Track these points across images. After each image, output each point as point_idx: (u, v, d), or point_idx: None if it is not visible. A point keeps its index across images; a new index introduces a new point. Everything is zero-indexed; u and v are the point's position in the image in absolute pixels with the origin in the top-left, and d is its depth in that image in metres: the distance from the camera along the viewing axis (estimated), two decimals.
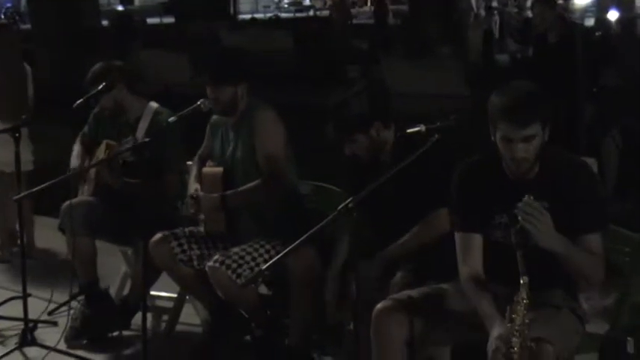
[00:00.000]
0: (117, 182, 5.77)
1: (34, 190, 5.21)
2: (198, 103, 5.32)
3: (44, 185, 5.17)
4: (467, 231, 4.11)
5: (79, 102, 5.76)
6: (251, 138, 5.27)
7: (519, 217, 3.67)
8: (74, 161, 6.07)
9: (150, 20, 37.36)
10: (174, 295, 6.00)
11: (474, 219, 4.09)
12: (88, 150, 6.03)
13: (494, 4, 30.64)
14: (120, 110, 5.97)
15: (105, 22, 28.06)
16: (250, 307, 5.32)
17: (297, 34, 23.87)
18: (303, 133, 5.59)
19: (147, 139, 5.24)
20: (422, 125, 4.25)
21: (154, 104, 6.02)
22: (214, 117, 5.54)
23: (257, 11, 49.59)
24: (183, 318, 6.05)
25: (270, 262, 4.32)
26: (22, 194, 5.30)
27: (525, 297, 3.61)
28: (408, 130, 4.32)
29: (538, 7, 8.55)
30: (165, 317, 6.11)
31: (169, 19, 38.38)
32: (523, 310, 3.61)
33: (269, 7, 52.35)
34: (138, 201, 5.20)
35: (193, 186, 5.44)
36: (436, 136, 4.16)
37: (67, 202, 5.78)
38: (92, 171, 5.90)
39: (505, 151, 3.88)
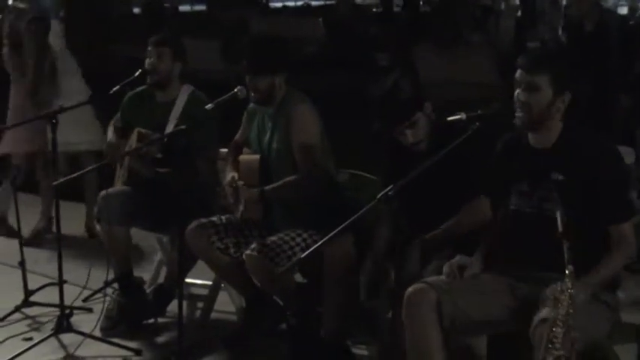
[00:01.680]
0: (149, 173, 5.76)
1: (73, 175, 5.20)
2: (235, 90, 5.31)
3: (82, 172, 5.18)
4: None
5: (114, 89, 5.77)
6: (287, 130, 5.26)
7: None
8: (107, 149, 6.07)
9: (181, 8, 37.38)
10: (210, 283, 6.01)
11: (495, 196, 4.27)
12: (123, 134, 6.01)
13: None
14: (164, 85, 5.97)
15: (136, 10, 28.18)
16: (286, 296, 5.32)
17: (327, 21, 23.77)
18: (335, 120, 5.55)
19: (183, 127, 5.22)
20: (463, 113, 4.22)
21: (189, 87, 6.03)
22: (251, 104, 5.51)
23: None
24: (218, 305, 6.06)
25: (309, 250, 4.29)
26: (61, 180, 5.28)
27: (570, 287, 3.59)
28: (449, 118, 4.29)
29: None
30: (200, 305, 6.12)
31: (201, 7, 38.40)
32: (568, 300, 3.59)
33: None
34: (173, 189, 5.19)
35: (230, 174, 5.42)
36: (477, 124, 4.13)
37: (104, 192, 5.80)
38: (125, 160, 5.89)
39: (514, 100, 3.99)
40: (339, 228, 4.09)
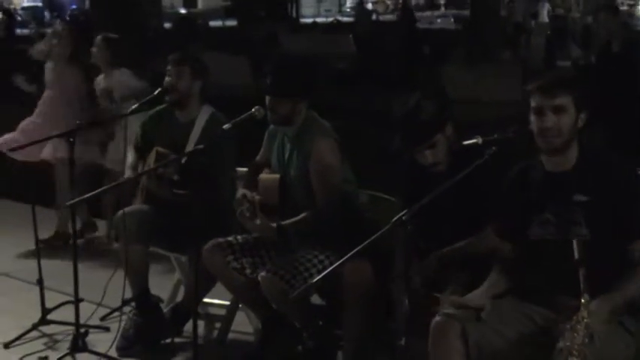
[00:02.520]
0: (166, 194, 5.73)
1: (88, 195, 5.18)
2: (253, 110, 5.28)
3: (99, 190, 5.15)
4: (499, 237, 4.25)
5: (134, 107, 5.76)
6: (306, 162, 5.23)
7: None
8: (128, 172, 6.04)
9: (212, 23, 37.61)
10: (227, 303, 5.96)
11: (508, 226, 4.21)
12: (142, 155, 5.99)
13: (560, 10, 30.42)
14: (183, 104, 5.94)
15: (167, 25, 28.33)
16: (302, 318, 5.27)
17: (357, 37, 23.78)
18: (363, 138, 5.52)
19: (200, 147, 5.19)
20: (479, 137, 4.17)
21: (209, 107, 5.99)
22: (272, 126, 5.48)
23: (319, 15, 49.65)
24: (235, 326, 6.01)
25: (321, 275, 4.24)
26: (76, 199, 5.27)
27: (586, 316, 3.52)
28: (465, 142, 4.24)
29: (602, 16, 8.40)
30: (218, 325, 6.07)
31: (232, 22, 38.57)
32: (584, 329, 3.53)
33: (330, 10, 52.40)
34: (191, 209, 5.15)
35: (242, 191, 5.38)
36: (493, 148, 4.07)
37: (121, 211, 5.78)
38: (143, 179, 5.87)
39: (536, 125, 3.93)
40: (352, 252, 4.04)
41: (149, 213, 5.87)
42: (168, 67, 5.93)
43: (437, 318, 4.03)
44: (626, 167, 3.98)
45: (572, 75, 4.10)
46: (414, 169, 4.84)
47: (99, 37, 8.00)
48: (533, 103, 3.94)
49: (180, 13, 41.97)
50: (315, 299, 5.48)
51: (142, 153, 6.01)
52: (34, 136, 7.13)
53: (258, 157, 5.66)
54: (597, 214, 3.84)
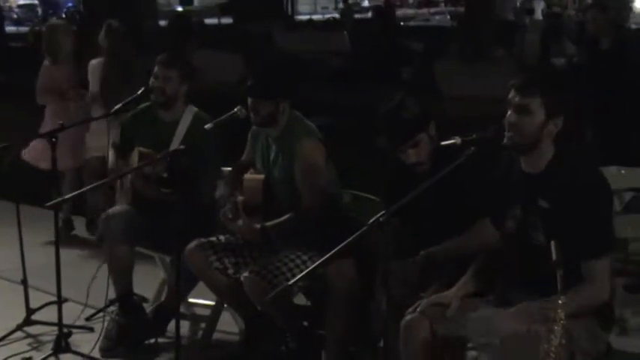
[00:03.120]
0: (152, 193, 5.70)
1: (70, 195, 5.14)
2: (235, 110, 5.26)
3: (81, 190, 5.12)
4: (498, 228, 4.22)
5: (117, 107, 5.74)
6: (290, 163, 5.22)
7: None
8: (109, 171, 6.02)
9: (208, 21, 37.52)
10: (212, 303, 5.93)
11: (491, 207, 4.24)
12: (122, 154, 5.96)
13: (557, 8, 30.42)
14: (167, 106, 5.91)
15: (163, 23, 28.28)
16: (285, 318, 5.24)
17: (352, 35, 23.78)
18: (355, 135, 5.49)
19: (182, 147, 5.17)
20: (457, 137, 4.14)
21: (193, 107, 5.96)
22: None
23: (315, 12, 49.65)
24: (221, 326, 5.97)
25: (297, 277, 4.23)
26: (57, 200, 5.22)
27: (563, 317, 3.50)
28: (443, 143, 4.21)
29: (591, 13, 8.38)
30: (202, 325, 6.04)
31: (228, 20, 38.53)
32: (560, 331, 3.50)
33: (327, 8, 52.40)
34: (175, 209, 5.13)
35: (226, 189, 5.37)
36: (472, 148, 4.05)
37: (106, 212, 5.75)
38: (127, 179, 5.84)
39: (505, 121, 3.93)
40: (330, 253, 4.01)
41: (134, 214, 5.84)
42: (156, 68, 5.89)
43: (407, 317, 4.07)
44: (593, 179, 3.91)
45: (549, 78, 4.02)
46: (397, 168, 4.81)
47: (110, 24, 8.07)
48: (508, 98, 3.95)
49: (176, 11, 41.93)
50: (302, 300, 5.46)
51: (122, 152, 5.97)
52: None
53: (243, 158, 5.64)
54: (554, 222, 3.81)
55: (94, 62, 8.05)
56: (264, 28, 25.45)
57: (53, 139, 5.60)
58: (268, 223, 5.18)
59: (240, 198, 5.26)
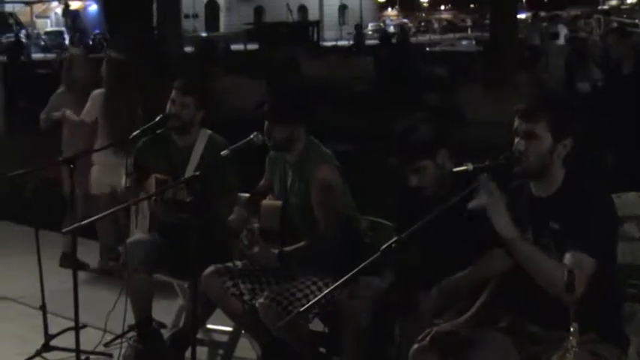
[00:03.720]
0: (173, 218, 5.72)
1: (86, 222, 5.15)
2: (251, 136, 5.26)
3: (97, 217, 5.13)
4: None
5: (135, 133, 5.77)
6: (307, 189, 5.22)
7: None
8: (124, 194, 6.04)
9: (234, 47, 37.75)
10: (230, 329, 5.92)
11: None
12: (138, 182, 5.99)
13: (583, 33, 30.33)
14: (183, 131, 5.93)
15: (189, 49, 28.45)
16: (301, 345, 5.22)
17: (377, 60, 23.83)
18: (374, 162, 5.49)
19: (196, 173, 5.18)
20: (470, 164, 4.12)
21: (207, 131, 5.99)
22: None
23: (341, 38, 49.81)
24: (239, 352, 5.96)
25: (308, 304, 4.21)
26: (74, 225, 5.22)
27: (575, 345, 3.46)
28: (455, 170, 4.20)
29: (612, 37, 8.37)
30: (220, 351, 6.03)
31: (253, 46, 38.76)
32: (572, 358, 3.46)
33: (352, 33, 52.51)
34: (192, 234, 5.13)
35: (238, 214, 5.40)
36: (485, 174, 4.03)
37: (130, 239, 5.80)
38: (146, 206, 5.86)
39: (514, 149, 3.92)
40: (343, 279, 4.00)
41: (154, 241, 5.87)
42: (173, 94, 5.92)
43: (416, 345, 4.04)
44: (600, 200, 3.88)
45: (552, 101, 3.99)
46: (410, 193, 4.79)
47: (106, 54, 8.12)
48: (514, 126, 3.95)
49: (202, 37, 42.18)
50: (319, 326, 5.45)
51: (137, 179, 5.99)
52: None
53: (261, 183, 5.65)
54: (566, 244, 3.78)
55: (96, 92, 8.07)
56: (289, 53, 25.57)
57: (71, 166, 5.63)
58: (286, 249, 5.18)
59: (256, 225, 5.26)
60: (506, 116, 4.04)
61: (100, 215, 4.99)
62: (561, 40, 22.35)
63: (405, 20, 62.74)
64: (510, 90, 17.39)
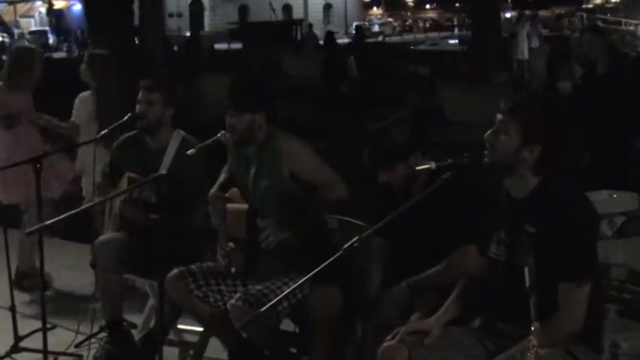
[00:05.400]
0: (141, 219, 5.65)
1: (51, 221, 5.09)
2: (219, 135, 5.23)
3: (62, 216, 5.06)
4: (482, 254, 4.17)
5: (103, 132, 5.73)
6: (277, 166, 5.14)
7: None
8: (94, 196, 6.00)
9: (218, 46, 37.70)
10: (201, 329, 5.89)
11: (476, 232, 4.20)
12: (112, 182, 5.95)
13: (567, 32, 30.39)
14: (154, 131, 5.90)
15: (175, 48, 28.39)
16: (270, 345, 5.19)
17: (359, 59, 23.85)
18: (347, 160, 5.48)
19: (163, 172, 5.15)
20: (432, 162, 4.12)
21: (181, 132, 5.95)
22: None
23: None
24: (210, 353, 5.92)
25: (269, 304, 4.17)
26: (37, 226, 5.15)
27: (536, 344, 3.45)
28: (417, 168, 4.19)
29: (587, 37, 8.35)
30: (191, 352, 6.00)
31: (237, 45, 38.71)
32: (534, 357, 3.45)
33: (337, 33, 52.50)
34: (162, 235, 5.10)
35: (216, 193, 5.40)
36: (448, 173, 4.03)
37: (99, 238, 5.76)
38: (116, 206, 5.82)
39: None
40: (304, 278, 4.01)
41: (124, 241, 5.83)
42: (140, 93, 5.89)
43: (385, 344, 4.01)
44: (579, 205, 3.86)
45: (533, 105, 3.98)
46: (385, 192, 4.79)
47: (87, 54, 8.00)
48: None
49: (186, 37, 42.11)
50: (290, 326, 5.42)
51: (112, 180, 5.96)
52: None
53: (223, 173, 5.60)
54: (541, 247, 3.76)
55: (85, 94, 7.97)
56: (271, 53, 25.58)
57: (37, 165, 5.57)
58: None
59: (231, 245, 5.24)
60: (488, 115, 4.03)
61: (61, 216, 4.91)
62: (535, 43, 22.19)
63: (390, 19, 62.67)
64: (492, 89, 17.40)
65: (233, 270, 5.27)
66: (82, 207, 5.46)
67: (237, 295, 5.03)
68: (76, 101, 7.96)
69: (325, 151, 5.32)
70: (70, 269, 8.07)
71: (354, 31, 52.31)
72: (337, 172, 5.19)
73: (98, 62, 7.98)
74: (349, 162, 5.57)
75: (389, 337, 4.08)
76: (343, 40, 40.64)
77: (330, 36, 26.02)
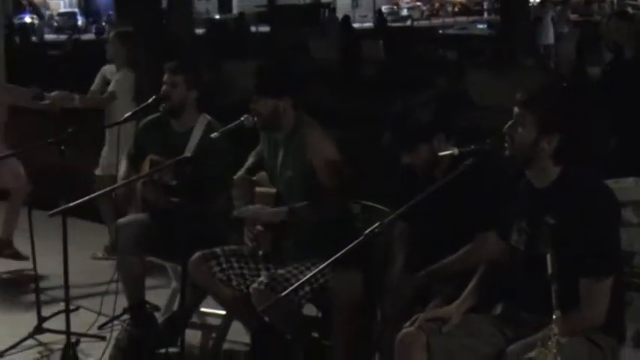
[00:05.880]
0: (162, 202, 5.65)
1: (74, 203, 5.09)
2: (242, 118, 5.22)
3: (85, 199, 5.08)
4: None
5: (127, 115, 5.73)
6: (302, 156, 5.13)
7: None
8: (120, 181, 5.99)
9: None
10: (224, 313, 5.89)
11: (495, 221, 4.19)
12: (136, 164, 5.96)
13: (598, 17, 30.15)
14: (178, 113, 5.89)
15: (199, 31, 28.39)
16: (293, 329, 5.19)
17: (387, 43, 23.78)
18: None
19: (187, 155, 5.15)
20: (455, 148, 4.10)
21: (207, 116, 5.94)
22: None
23: (354, 20, 49.65)
24: (233, 336, 5.93)
25: (290, 288, 4.17)
26: (61, 208, 5.17)
27: (557, 332, 3.43)
28: (440, 154, 4.17)
29: (614, 21, 8.26)
30: (214, 335, 6.00)
31: (265, 28, 38.68)
32: (555, 347, 3.43)
33: (366, 16, 52.38)
34: (185, 217, 5.10)
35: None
36: (470, 159, 4.00)
37: (120, 221, 5.78)
38: (139, 187, 5.82)
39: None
40: (326, 263, 4.00)
41: (145, 223, 5.83)
42: (165, 75, 5.89)
43: (403, 330, 4.00)
44: (601, 198, 3.83)
45: (549, 96, 3.93)
46: (408, 176, 4.77)
47: (112, 33, 8.04)
48: None
49: (214, 19, 42.12)
50: (313, 310, 5.42)
51: (135, 162, 5.97)
52: None
53: (252, 157, 5.59)
54: (561, 239, 3.73)
55: (110, 68, 8.09)
56: (299, 36, 25.54)
57: (62, 147, 5.60)
58: (296, 205, 5.11)
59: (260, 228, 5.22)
60: (514, 100, 3.99)
61: (86, 197, 4.93)
62: (563, 28, 22.02)
63: (419, 3, 62.39)
64: (521, 73, 17.28)
65: (260, 253, 5.27)
66: (106, 189, 5.48)
67: (260, 279, 5.04)
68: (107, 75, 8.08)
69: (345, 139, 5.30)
70: (92, 249, 8.12)
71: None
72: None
73: (123, 40, 8.01)
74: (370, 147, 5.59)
75: (407, 323, 4.07)
76: (370, 25, 40.51)
77: (346, 20, 25.93)
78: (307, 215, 5.12)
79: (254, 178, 5.47)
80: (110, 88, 7.90)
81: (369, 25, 42.54)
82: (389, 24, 35.45)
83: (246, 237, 5.35)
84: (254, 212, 5.23)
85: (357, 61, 21.33)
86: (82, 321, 5.89)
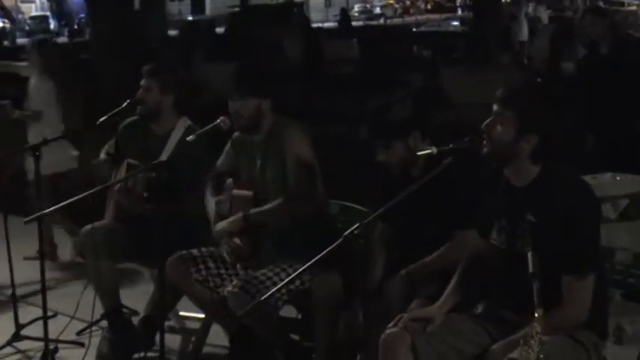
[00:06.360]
0: (135, 209, 5.62)
1: (52, 208, 5.06)
2: (218, 121, 5.18)
3: (68, 202, 5.03)
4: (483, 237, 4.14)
5: (102, 119, 5.69)
6: (282, 155, 5.09)
7: None
8: (95, 168, 5.96)
9: (220, 29, 37.43)
10: (202, 316, 5.85)
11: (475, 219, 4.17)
12: (113, 162, 5.91)
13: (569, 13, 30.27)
14: (154, 117, 5.85)
15: (173, 32, 28.28)
16: (270, 332, 5.16)
17: (361, 42, 23.77)
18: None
19: (162, 160, 5.11)
20: (433, 147, 4.09)
21: (187, 120, 5.89)
22: (236, 134, 5.38)
23: (328, 20, 49.60)
24: (212, 339, 5.89)
25: (268, 293, 4.15)
26: (46, 210, 5.13)
27: (539, 331, 3.41)
28: (419, 153, 4.15)
29: (588, 18, 8.27)
30: (193, 338, 5.97)
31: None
32: (537, 346, 3.41)
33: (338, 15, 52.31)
34: (158, 222, 5.06)
35: (213, 203, 5.35)
36: (449, 158, 3.99)
37: (89, 226, 5.72)
38: (114, 193, 5.77)
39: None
40: (305, 266, 3.98)
41: (116, 229, 5.77)
42: (142, 80, 5.84)
43: (387, 331, 3.97)
44: (582, 196, 3.81)
45: (528, 94, 3.91)
46: (386, 175, 4.75)
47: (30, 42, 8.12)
48: None
49: (187, 20, 41.98)
50: (293, 313, 5.40)
51: (114, 162, 5.91)
52: None
53: (217, 165, 5.55)
54: (542, 236, 3.73)
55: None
56: (273, 36, 25.46)
57: (36, 153, 5.56)
58: (251, 211, 5.09)
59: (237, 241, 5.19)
60: (490, 97, 3.97)
61: (62, 204, 4.90)
62: (544, 21, 22.16)
63: (392, 1, 62.51)
64: (494, 70, 17.32)
65: (239, 266, 5.24)
66: (87, 193, 5.43)
67: (234, 282, 5.00)
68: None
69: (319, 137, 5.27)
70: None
71: (355, 14, 52.49)
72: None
73: (40, 49, 7.99)
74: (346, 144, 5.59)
75: (391, 324, 4.05)
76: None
77: (304, 19, 25.89)
78: (266, 218, 5.10)
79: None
80: (30, 97, 7.96)
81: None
82: (364, 22, 35.39)
83: (224, 251, 5.30)
84: (219, 230, 5.24)
85: (320, 61, 21.29)
86: (60, 327, 5.82)
